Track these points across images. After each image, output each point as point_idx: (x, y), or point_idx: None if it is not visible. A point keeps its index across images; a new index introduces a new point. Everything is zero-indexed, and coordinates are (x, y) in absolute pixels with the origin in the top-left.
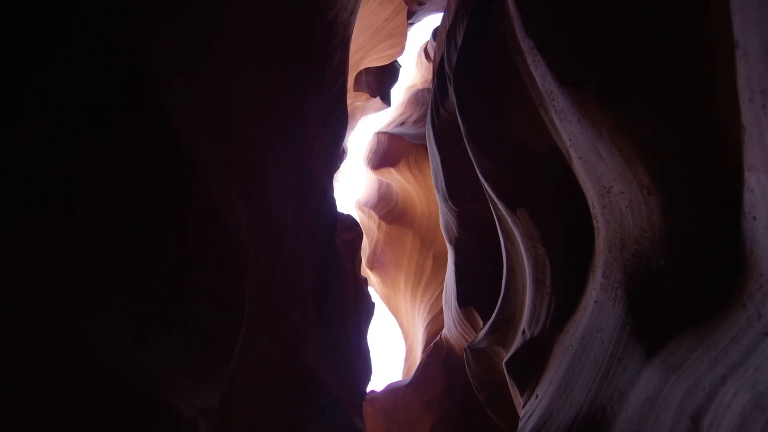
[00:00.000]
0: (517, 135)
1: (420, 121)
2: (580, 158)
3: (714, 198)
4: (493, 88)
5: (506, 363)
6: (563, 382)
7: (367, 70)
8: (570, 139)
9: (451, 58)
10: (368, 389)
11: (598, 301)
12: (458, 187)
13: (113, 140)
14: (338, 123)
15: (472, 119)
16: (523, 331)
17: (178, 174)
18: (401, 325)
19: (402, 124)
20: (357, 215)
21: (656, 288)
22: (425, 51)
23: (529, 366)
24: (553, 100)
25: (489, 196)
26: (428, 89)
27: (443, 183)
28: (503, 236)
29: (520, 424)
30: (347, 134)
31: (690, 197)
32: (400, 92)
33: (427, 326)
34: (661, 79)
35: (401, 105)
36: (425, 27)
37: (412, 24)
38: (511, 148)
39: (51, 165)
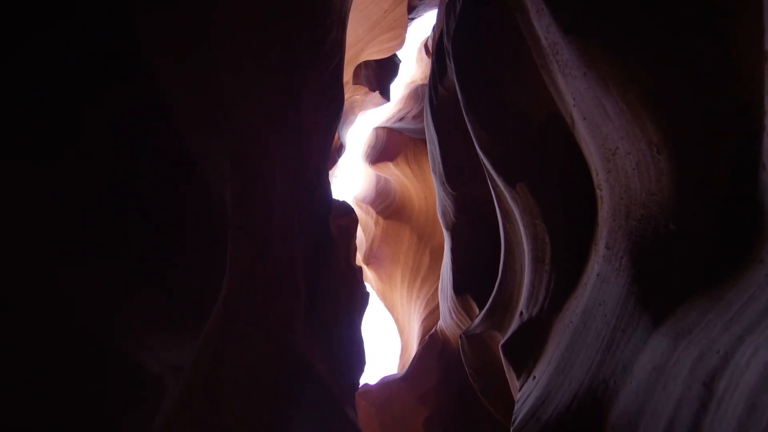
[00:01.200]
0: (517, 104)
1: (419, 116)
2: (584, 119)
3: (728, 152)
4: (492, 53)
5: (503, 346)
6: (562, 360)
7: (366, 63)
8: (574, 98)
9: (449, 29)
10: (362, 383)
11: (601, 274)
12: (456, 170)
13: (102, 98)
14: (333, 104)
15: (471, 89)
16: (521, 313)
17: (158, 130)
18: (397, 322)
19: (401, 119)
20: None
21: (664, 253)
22: (425, 47)
23: (527, 348)
24: (557, 53)
25: (488, 172)
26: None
27: (441, 165)
28: (502, 216)
29: (516, 406)
30: (347, 129)
31: (702, 152)
32: (399, 88)
33: (423, 322)
34: (671, 24)
35: (401, 101)
36: (426, 23)
37: (412, 19)
38: (511, 118)
39: (39, 114)
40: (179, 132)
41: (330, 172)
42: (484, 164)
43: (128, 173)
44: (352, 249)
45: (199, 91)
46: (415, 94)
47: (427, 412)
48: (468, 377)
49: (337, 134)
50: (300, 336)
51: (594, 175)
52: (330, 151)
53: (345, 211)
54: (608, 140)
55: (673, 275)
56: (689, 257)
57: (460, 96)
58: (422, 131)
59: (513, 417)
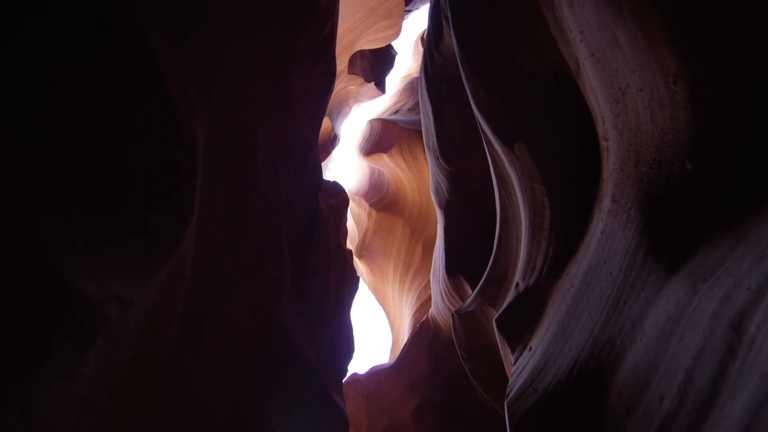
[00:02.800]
0: (516, 58)
1: (415, 108)
2: (591, 55)
3: (753, 77)
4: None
5: (497, 320)
6: (562, 326)
7: (362, 53)
8: (581, 31)
9: None
10: (350, 372)
11: (606, 231)
12: (451, 144)
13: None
14: (324, 76)
15: (469, 41)
16: (517, 284)
17: (129, 58)
18: (388, 315)
19: (396, 112)
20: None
21: (678, 197)
22: (422, 39)
23: (523, 320)
24: None
25: (484, 135)
26: None
27: (434, 138)
28: (498, 184)
29: (511, 380)
30: (341, 121)
31: (724, 77)
32: (395, 82)
33: (414, 314)
34: None
35: (396, 94)
36: (422, 16)
37: (409, 11)
38: (510, 73)
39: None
40: (154, 62)
41: (323, 164)
42: (481, 126)
43: (89, 95)
44: (342, 230)
45: (181, 39)
46: (411, 86)
47: (416, 402)
48: (459, 366)
49: (331, 125)
50: (286, 317)
51: (599, 125)
52: (320, 126)
53: (336, 191)
54: (618, 77)
55: (688, 220)
56: (707, 198)
57: (457, 50)
58: (418, 123)
59: (507, 390)
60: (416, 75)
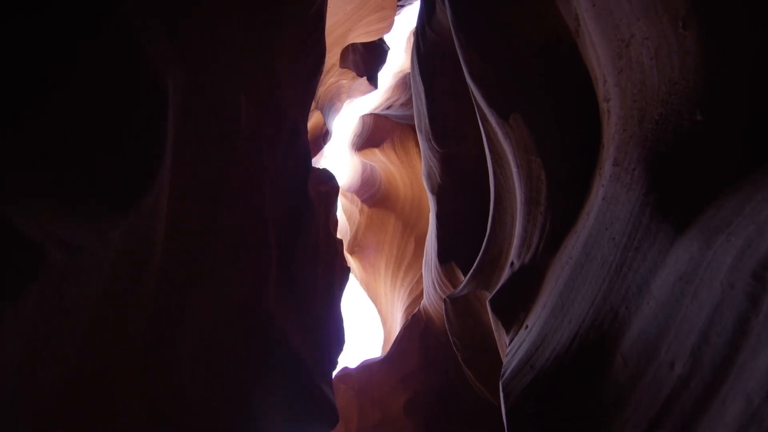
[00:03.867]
0: (512, 23)
1: (407, 104)
2: (594, 6)
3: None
4: None
5: (491, 301)
6: (560, 300)
7: (354, 48)
8: None
9: None
10: (341, 366)
11: (607, 196)
12: (443, 125)
13: None
14: (313, 54)
15: (464, 7)
16: (512, 263)
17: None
18: (380, 312)
19: (389, 107)
20: (340, 201)
21: (688, 151)
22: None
23: (518, 299)
24: None
25: (478, 108)
26: None
27: (427, 120)
28: (492, 160)
29: (505, 360)
30: (333, 116)
31: (737, 17)
32: (387, 78)
33: (406, 309)
34: None
35: (388, 90)
36: (415, 12)
37: (402, 6)
38: (506, 39)
39: None
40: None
41: (314, 160)
42: (475, 99)
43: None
44: (332, 220)
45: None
46: (404, 82)
47: (408, 395)
48: (452, 358)
49: (323, 120)
50: (272, 302)
51: (600, 86)
52: (309, 109)
53: (326, 178)
54: (622, 28)
55: (698, 174)
56: (719, 150)
57: (450, 18)
58: (410, 117)
59: (502, 371)
60: (409, 71)
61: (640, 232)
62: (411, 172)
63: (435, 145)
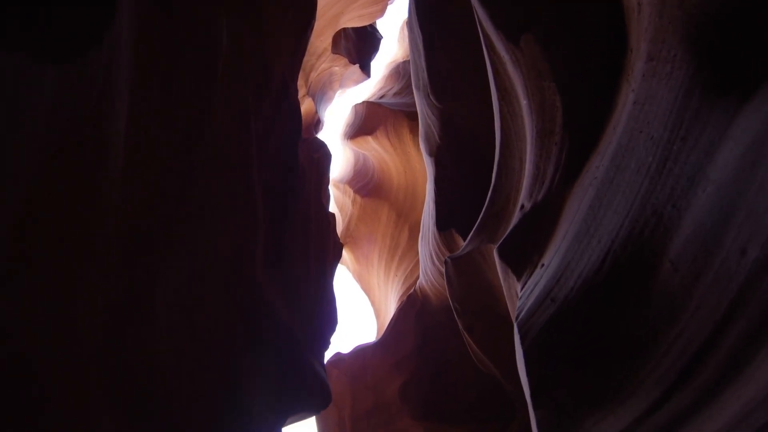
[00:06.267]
0: None
1: (401, 92)
2: None
3: None
4: None
5: (499, 248)
6: (584, 224)
7: (346, 34)
8: None
9: None
10: (334, 352)
11: (640, 99)
12: (443, 77)
13: None
14: (301, 10)
15: None
16: (522, 206)
17: None
18: (373, 304)
19: (381, 97)
20: (332, 193)
21: (742, 16)
22: (408, 24)
23: (531, 240)
24: None
25: (484, 34)
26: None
27: (425, 72)
28: (499, 97)
29: (519, 303)
30: (325, 106)
31: None
32: (380, 69)
33: (399, 300)
34: None
35: (381, 80)
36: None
37: None
38: None
39: None
40: None
41: None
42: (480, 24)
43: None
44: (324, 191)
45: None
46: (397, 71)
47: (403, 378)
48: (448, 338)
49: (314, 109)
50: (260, 272)
51: None
52: (299, 68)
53: (318, 145)
54: None
55: (757, 41)
56: None
57: None
58: (404, 105)
59: (516, 314)
60: (402, 60)
61: (687, 119)
62: (405, 159)
63: (434, 101)
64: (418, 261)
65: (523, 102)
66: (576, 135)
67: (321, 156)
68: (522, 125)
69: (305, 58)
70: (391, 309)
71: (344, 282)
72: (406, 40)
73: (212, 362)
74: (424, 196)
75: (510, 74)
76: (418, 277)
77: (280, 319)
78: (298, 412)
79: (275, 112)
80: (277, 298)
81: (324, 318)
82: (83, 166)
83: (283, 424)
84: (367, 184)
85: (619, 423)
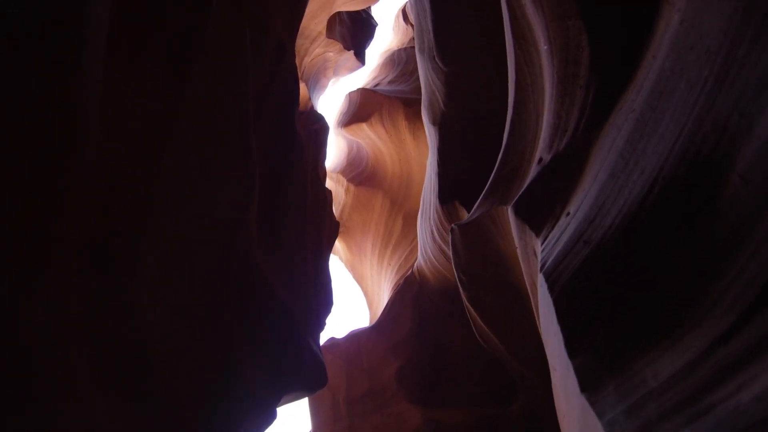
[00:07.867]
0: None
1: (395, 81)
2: None
3: None
4: None
5: (515, 205)
6: (620, 160)
7: (341, 19)
8: None
9: None
10: (328, 337)
11: (687, 17)
12: (450, 38)
13: None
14: None
15: None
16: (540, 159)
17: None
18: (366, 294)
19: (376, 85)
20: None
21: None
22: (404, 12)
23: (552, 193)
24: None
25: None
26: (405, 49)
27: (431, 34)
28: (515, 46)
29: (542, 255)
30: (318, 94)
31: None
32: (375, 57)
33: (394, 287)
34: None
35: (376, 68)
36: None
37: None
38: None
39: None
40: None
41: None
42: None
43: None
44: (321, 165)
45: None
46: (391, 59)
47: (399, 362)
48: (446, 321)
49: (308, 95)
50: (253, 247)
51: None
52: (296, 34)
53: (315, 118)
54: None
55: None
56: None
57: None
58: (399, 92)
59: (540, 264)
60: (396, 49)
61: (754, 23)
62: (400, 147)
63: (439, 63)
64: (412, 250)
65: (543, 48)
66: (605, 75)
67: (319, 128)
68: (540, 74)
69: (299, 42)
70: (384, 298)
71: (336, 272)
72: (402, 28)
73: (208, 339)
74: (419, 185)
75: (529, 18)
76: (412, 266)
77: (277, 296)
78: (295, 390)
79: (272, 72)
80: (273, 274)
81: (320, 297)
82: (54, 126)
83: (278, 403)
84: (361, 172)
85: (682, 357)
